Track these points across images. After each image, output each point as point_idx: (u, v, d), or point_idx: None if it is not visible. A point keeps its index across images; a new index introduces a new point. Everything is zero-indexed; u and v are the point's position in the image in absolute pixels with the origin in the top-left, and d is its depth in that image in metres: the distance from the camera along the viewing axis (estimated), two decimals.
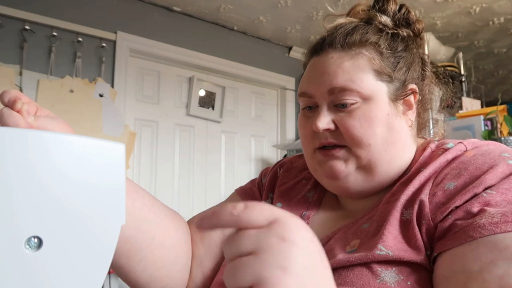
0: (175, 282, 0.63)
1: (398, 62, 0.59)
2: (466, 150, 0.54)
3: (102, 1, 2.23)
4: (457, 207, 0.45)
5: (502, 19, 2.61)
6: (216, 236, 0.67)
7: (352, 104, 0.55)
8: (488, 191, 0.45)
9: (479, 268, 0.39)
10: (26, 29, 1.95)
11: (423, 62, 0.63)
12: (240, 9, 2.47)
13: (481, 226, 0.41)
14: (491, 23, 2.66)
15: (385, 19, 0.61)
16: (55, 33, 2.02)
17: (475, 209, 0.44)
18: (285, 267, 0.28)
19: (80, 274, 0.32)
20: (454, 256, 0.42)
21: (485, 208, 0.43)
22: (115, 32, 2.23)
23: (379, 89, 0.56)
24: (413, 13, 0.63)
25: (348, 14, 0.65)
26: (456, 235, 0.43)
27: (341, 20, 0.62)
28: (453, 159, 0.53)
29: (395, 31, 0.61)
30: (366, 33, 0.58)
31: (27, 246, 0.29)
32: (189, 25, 2.55)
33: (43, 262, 0.30)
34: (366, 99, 0.55)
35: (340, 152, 0.56)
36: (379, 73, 0.57)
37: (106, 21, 2.21)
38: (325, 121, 0.56)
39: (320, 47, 0.60)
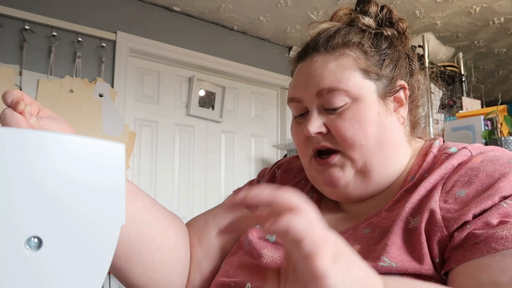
0: (173, 285, 0.63)
1: (384, 60, 0.59)
2: (472, 156, 0.53)
3: (102, 1, 2.23)
4: (474, 217, 0.44)
5: (502, 19, 2.61)
6: (214, 238, 0.67)
7: (342, 106, 0.55)
8: (507, 201, 0.44)
9: (508, 280, 0.38)
10: (26, 29, 1.95)
11: (409, 58, 0.63)
12: (240, 9, 2.47)
13: (503, 238, 0.41)
14: (491, 23, 2.66)
15: (367, 20, 0.61)
16: (55, 33, 2.02)
17: (495, 220, 0.43)
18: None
19: (80, 274, 0.32)
20: (478, 267, 0.41)
21: (505, 219, 0.42)
22: (115, 32, 2.22)
23: (367, 88, 0.56)
24: (395, 13, 0.63)
25: (331, 20, 0.65)
26: (477, 246, 0.42)
27: (324, 25, 0.62)
28: (459, 164, 0.52)
29: (379, 31, 0.61)
30: (348, 34, 0.58)
31: (27, 246, 0.29)
32: (189, 25, 2.55)
33: (43, 262, 0.30)
34: (354, 98, 0.55)
35: (336, 159, 0.56)
36: (365, 72, 0.56)
37: (106, 21, 2.21)
38: (316, 124, 0.56)
39: (305, 53, 0.60)
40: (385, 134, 0.56)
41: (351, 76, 0.55)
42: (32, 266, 0.29)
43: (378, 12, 0.63)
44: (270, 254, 0.57)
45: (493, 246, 0.40)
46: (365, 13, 0.62)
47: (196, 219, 0.72)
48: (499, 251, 0.40)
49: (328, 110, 0.56)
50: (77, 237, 0.32)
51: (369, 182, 0.56)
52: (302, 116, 0.60)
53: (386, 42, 0.60)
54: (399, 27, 0.63)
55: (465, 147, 0.55)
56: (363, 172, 0.56)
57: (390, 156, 0.56)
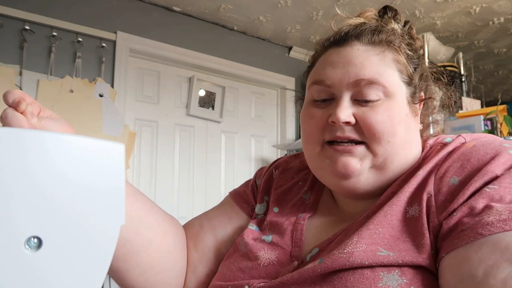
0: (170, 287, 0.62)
1: (415, 68, 0.59)
2: (465, 142, 0.54)
3: (102, 1, 2.23)
4: (461, 204, 0.44)
5: (502, 19, 2.61)
6: (210, 242, 0.67)
7: (376, 100, 0.54)
8: (490, 186, 0.44)
9: (483, 272, 0.38)
10: (26, 29, 1.95)
11: (426, 75, 0.64)
12: (240, 9, 2.47)
13: (489, 223, 0.40)
14: (491, 23, 2.66)
15: (396, 27, 0.62)
16: (55, 33, 2.02)
17: (480, 205, 0.43)
18: None
19: (79, 274, 0.32)
20: (459, 259, 0.41)
21: (491, 204, 0.42)
22: (115, 32, 2.22)
23: (401, 90, 0.56)
24: (414, 30, 0.64)
25: (358, 17, 0.64)
26: (464, 233, 0.42)
27: (356, 20, 0.61)
28: (453, 150, 0.53)
29: (410, 41, 0.61)
30: (391, 35, 0.58)
31: (27, 246, 0.29)
32: (189, 25, 2.55)
33: (42, 262, 0.30)
34: (389, 96, 0.54)
35: (359, 149, 0.54)
36: (402, 74, 0.57)
37: (106, 21, 2.21)
38: (346, 113, 0.54)
39: (344, 38, 0.58)
40: (409, 136, 0.56)
41: (391, 74, 0.55)
42: (32, 266, 0.29)
43: (402, 25, 0.64)
44: (267, 256, 0.56)
45: (480, 232, 0.40)
46: (396, 20, 0.63)
47: (191, 222, 0.71)
48: (484, 237, 0.40)
49: (360, 102, 0.55)
50: (77, 237, 0.32)
51: (383, 178, 0.55)
52: (324, 102, 0.58)
53: (416, 53, 0.61)
54: (416, 45, 0.64)
55: (460, 136, 0.55)
56: (379, 168, 0.55)
57: (408, 158, 0.56)
